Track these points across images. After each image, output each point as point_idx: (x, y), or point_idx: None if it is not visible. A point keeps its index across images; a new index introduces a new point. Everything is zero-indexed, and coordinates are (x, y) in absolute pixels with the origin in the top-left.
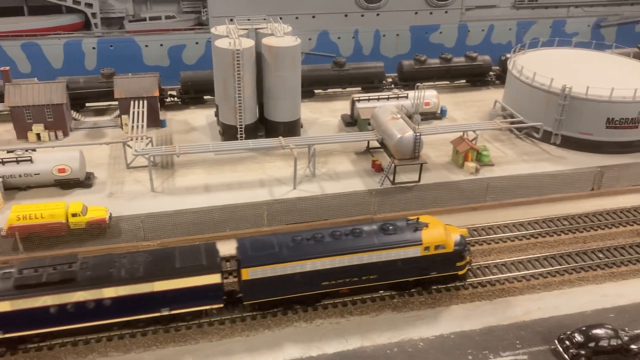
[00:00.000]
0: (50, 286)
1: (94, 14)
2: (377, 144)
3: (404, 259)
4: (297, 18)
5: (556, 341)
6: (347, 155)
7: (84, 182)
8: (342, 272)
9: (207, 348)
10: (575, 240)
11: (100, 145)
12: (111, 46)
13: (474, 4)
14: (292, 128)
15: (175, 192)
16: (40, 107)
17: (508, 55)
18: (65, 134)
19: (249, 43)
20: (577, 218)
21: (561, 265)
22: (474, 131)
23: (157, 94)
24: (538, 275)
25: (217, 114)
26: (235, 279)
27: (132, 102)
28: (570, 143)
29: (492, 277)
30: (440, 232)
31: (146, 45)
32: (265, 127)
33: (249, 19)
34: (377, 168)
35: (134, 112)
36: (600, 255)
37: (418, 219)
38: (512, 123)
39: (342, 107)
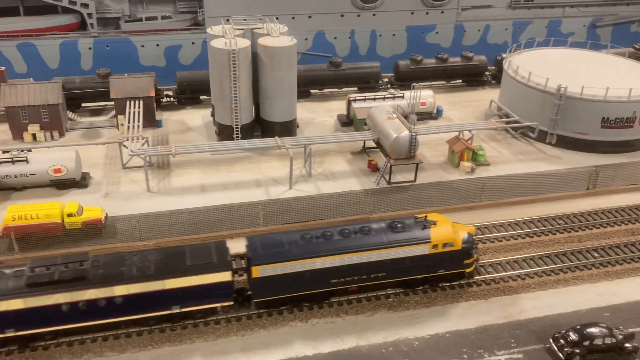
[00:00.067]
0: (62, 284)
1: (90, 14)
2: (373, 144)
3: (413, 256)
4: (293, 18)
5: (551, 340)
6: (343, 155)
7: (80, 182)
8: (351, 270)
9: (203, 348)
10: (571, 240)
11: (96, 145)
12: (107, 46)
13: (470, 4)
14: (288, 128)
15: (171, 192)
16: (36, 108)
17: (504, 55)
18: (61, 134)
19: (245, 43)
20: (572, 217)
21: (556, 264)
22: (469, 131)
23: (153, 94)
24: (533, 274)
25: (213, 114)
26: (244, 277)
27: (128, 103)
28: (566, 143)
29: (487, 276)
30: (448, 230)
31: (142, 46)
32: (261, 127)
33: (245, 19)
34: (373, 168)
35: (130, 113)
36: (595, 254)
37: (426, 217)
38: (507, 123)
39: (338, 107)
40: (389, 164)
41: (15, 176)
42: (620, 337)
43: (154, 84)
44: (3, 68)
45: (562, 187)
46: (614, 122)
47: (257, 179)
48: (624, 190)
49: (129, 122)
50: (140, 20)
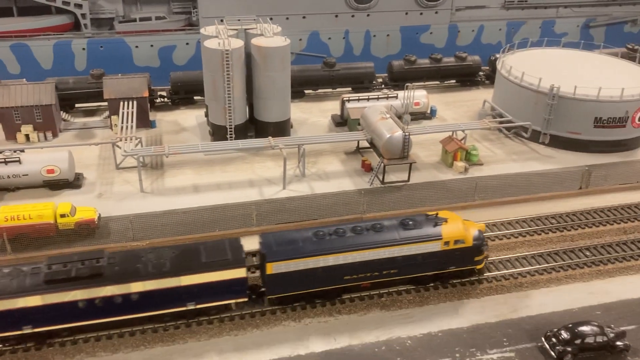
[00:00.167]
0: (79, 281)
1: (83, 15)
2: (366, 144)
3: (424, 253)
4: (287, 18)
5: (543, 338)
6: (336, 155)
7: (73, 182)
8: (363, 267)
9: (196, 347)
10: (563, 239)
11: (90, 146)
12: (101, 47)
13: (464, 4)
14: (282, 128)
15: (164, 192)
16: (29, 108)
17: (497, 56)
18: (55, 135)
19: (238, 43)
20: (564, 217)
21: (549, 263)
22: (462, 131)
23: (146, 94)
24: (525, 274)
25: (207, 115)
26: (256, 274)
27: (121, 103)
28: (559, 142)
29: (480, 275)
30: (459, 227)
31: (136, 46)
32: (255, 127)
33: (238, 20)
34: (367, 168)
35: (123, 113)
36: (588, 253)
37: (437, 214)
38: (501, 122)
39: (332, 107)
40: (382, 164)
41: (8, 177)
42: (611, 335)
43: (148, 84)
44: None
45: (555, 186)
46: (606, 121)
47: (250, 179)
48: (616, 189)
49: (122, 123)
50: (134, 20)
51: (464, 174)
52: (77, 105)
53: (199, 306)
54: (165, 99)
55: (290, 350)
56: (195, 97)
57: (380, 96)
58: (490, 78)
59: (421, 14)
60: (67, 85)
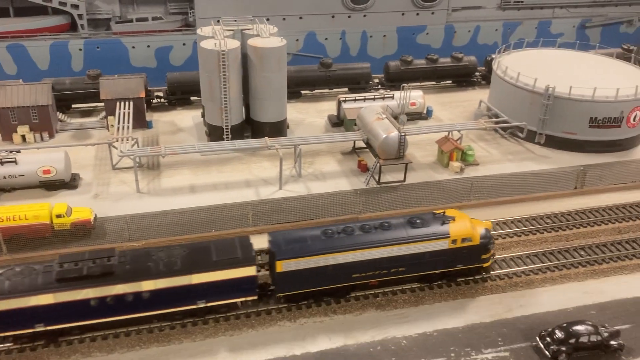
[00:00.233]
0: (91, 279)
1: (80, 15)
2: (363, 144)
3: (432, 251)
4: (284, 19)
5: (537, 338)
6: (333, 156)
7: (69, 183)
8: (372, 265)
9: (191, 348)
10: (558, 239)
11: (86, 146)
12: (98, 47)
13: (460, 5)
14: (278, 128)
15: (161, 193)
16: (25, 109)
17: (493, 56)
18: (51, 136)
19: (235, 44)
20: (560, 216)
21: (543, 263)
22: (458, 131)
23: (143, 95)
24: (520, 273)
25: (203, 115)
26: (266, 272)
27: (118, 104)
28: (554, 142)
29: (475, 275)
30: (466, 225)
31: (133, 47)
32: (251, 127)
33: (235, 20)
34: (363, 168)
35: (119, 114)
36: (582, 253)
37: (444, 212)
38: (496, 123)
39: (328, 107)
40: (378, 164)
41: (4, 177)
42: (605, 334)
43: (144, 85)
44: None
45: (550, 186)
46: (601, 122)
47: (247, 179)
48: (611, 189)
49: (118, 123)
50: (131, 21)
51: (460, 174)
52: (73, 105)
53: (209, 304)
54: (162, 100)
55: (286, 351)
56: (191, 98)
57: (376, 96)
58: (487, 78)
59: (417, 14)
60: (64, 85)
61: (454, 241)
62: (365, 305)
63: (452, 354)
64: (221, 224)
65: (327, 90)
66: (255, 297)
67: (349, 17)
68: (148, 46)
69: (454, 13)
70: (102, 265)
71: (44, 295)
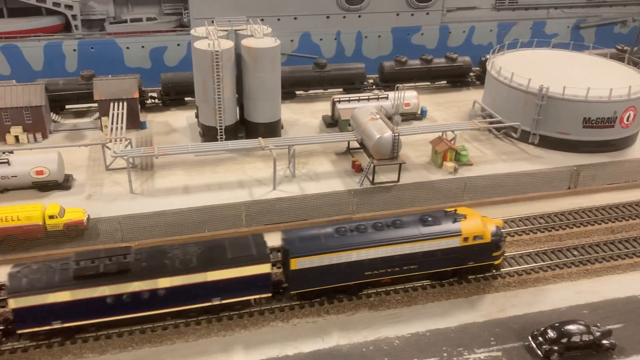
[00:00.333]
0: (107, 277)
1: (74, 16)
2: (357, 145)
3: (444, 249)
4: (279, 20)
5: (530, 337)
6: (327, 156)
7: (63, 184)
8: (384, 262)
9: (183, 348)
10: (551, 238)
11: (79, 147)
12: (92, 48)
13: (455, 5)
14: (272, 129)
15: (154, 193)
16: (18, 109)
17: (488, 56)
18: (45, 136)
19: (228, 44)
20: (553, 216)
21: (537, 262)
22: (452, 131)
23: (136, 95)
24: (513, 273)
25: (197, 116)
26: (279, 270)
27: (111, 104)
28: (548, 142)
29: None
30: (478, 223)
31: (127, 47)
32: (245, 128)
33: (229, 21)
34: (357, 168)
35: (113, 114)
36: (575, 253)
37: (456, 210)
38: (490, 123)
39: (323, 108)
40: (372, 165)
41: None
42: (597, 334)
43: (138, 85)
44: None
45: (543, 186)
46: (595, 122)
47: (240, 180)
48: (604, 189)
49: (112, 124)
50: (125, 22)
51: (454, 174)
52: (67, 106)
53: (224, 301)
54: (156, 100)
55: (279, 351)
56: (185, 98)
57: (370, 97)
58: (481, 79)
59: (412, 15)
60: (57, 86)
61: (466, 239)
62: (358, 305)
63: (445, 354)
64: (214, 224)
65: (321, 91)
66: (270, 295)
67: (344, 17)
68: (142, 47)
69: (449, 14)
70: (119, 263)
71: (61, 293)
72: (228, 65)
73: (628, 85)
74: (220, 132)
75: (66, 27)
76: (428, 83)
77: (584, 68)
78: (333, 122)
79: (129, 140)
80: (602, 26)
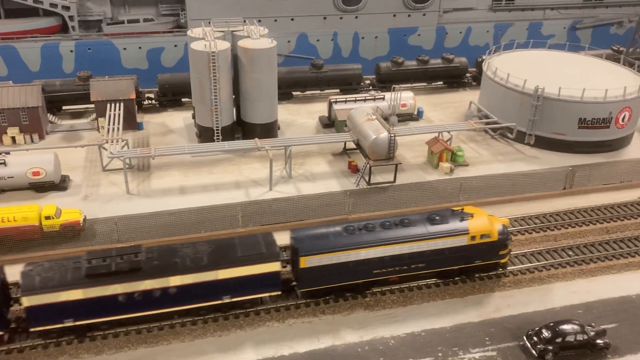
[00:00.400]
0: (119, 275)
1: (71, 17)
2: (353, 145)
3: (452, 247)
4: (275, 21)
5: (524, 337)
6: (324, 157)
7: (59, 185)
8: (392, 261)
9: (179, 349)
10: (547, 239)
11: (76, 148)
12: (89, 49)
13: (452, 6)
14: (269, 130)
15: (150, 194)
16: (15, 110)
17: (484, 57)
18: (41, 137)
19: (225, 45)
20: (548, 216)
21: (532, 262)
22: (448, 132)
23: (133, 96)
24: (509, 273)
25: (194, 116)
26: (287, 269)
27: (108, 105)
28: (544, 143)
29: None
30: (485, 221)
31: (124, 48)
32: (242, 129)
33: (226, 22)
34: (354, 169)
35: (110, 115)
36: (571, 253)
37: (462, 209)
38: (486, 124)
39: (319, 109)
40: (368, 165)
41: None
42: (592, 333)
43: (135, 86)
44: None
45: (539, 187)
46: (590, 122)
47: (237, 180)
48: (599, 189)
49: (109, 125)
50: (122, 22)
51: (450, 174)
52: (64, 107)
53: (234, 299)
54: (153, 101)
55: (274, 351)
56: (182, 99)
57: (367, 98)
58: (477, 79)
59: (409, 16)
60: (54, 87)
61: (473, 237)
62: (354, 305)
63: (440, 354)
64: (210, 225)
65: (318, 92)
66: (279, 292)
67: (341, 18)
68: (139, 48)
69: (446, 14)
70: (130, 261)
71: (74, 291)
72: (224, 66)
73: (623, 86)
74: (217, 132)
75: (63, 28)
76: (424, 84)
77: (579, 69)
78: (330, 123)
79: (125, 141)
80: (598, 27)
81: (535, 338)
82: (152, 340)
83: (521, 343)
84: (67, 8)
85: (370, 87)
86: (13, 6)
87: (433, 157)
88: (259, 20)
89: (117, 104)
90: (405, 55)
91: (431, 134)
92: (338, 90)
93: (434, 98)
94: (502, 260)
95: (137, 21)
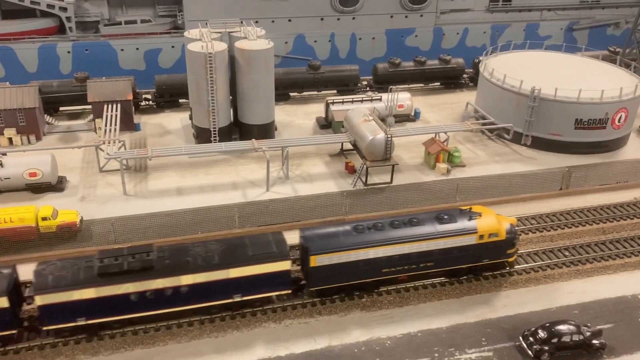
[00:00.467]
0: (132, 274)
1: (68, 18)
2: (350, 146)
3: (460, 246)
4: (273, 22)
5: (520, 338)
6: (321, 158)
7: (56, 186)
8: (401, 260)
9: (176, 350)
10: (543, 239)
11: (73, 149)
12: (86, 50)
13: (449, 7)
14: (266, 131)
15: (147, 195)
16: (12, 111)
17: (481, 58)
18: (38, 138)
19: (222, 46)
20: (544, 217)
21: (528, 263)
22: (445, 133)
23: (130, 97)
24: (505, 274)
25: (191, 117)
26: (296, 268)
27: (105, 106)
28: (540, 144)
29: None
30: (493, 220)
31: (122, 49)
32: (239, 130)
33: (225, 23)
34: (351, 170)
35: (107, 116)
36: (567, 254)
37: (471, 208)
38: (483, 124)
39: (317, 109)
40: (365, 166)
41: None
42: (588, 334)
43: (132, 87)
44: None
45: (536, 187)
46: (587, 123)
47: (234, 181)
48: (596, 190)
49: (106, 126)
50: (120, 24)
51: (446, 175)
52: (61, 108)
53: (245, 298)
54: (150, 102)
55: (271, 352)
56: (180, 100)
57: (364, 99)
58: (474, 80)
59: (406, 17)
60: (51, 88)
61: (481, 236)
62: (351, 306)
63: (436, 354)
64: (207, 225)
65: (315, 93)
66: (289, 291)
67: (338, 19)
68: (137, 49)
69: (443, 16)
70: (142, 260)
71: (86, 290)
72: (221, 67)
73: (620, 86)
74: (214, 133)
75: (60, 29)
76: (421, 85)
77: (576, 70)
78: (327, 124)
79: (122, 142)
80: (595, 28)
81: (531, 338)
82: (148, 341)
83: (517, 343)
84: (64, 9)
85: (368, 88)
86: (10, 7)
87: (430, 158)
88: (257, 22)
89: (114, 105)
90: (402, 56)
91: (428, 135)
92: (335, 91)
93: (431, 99)
94: (510, 259)
95: (134, 22)
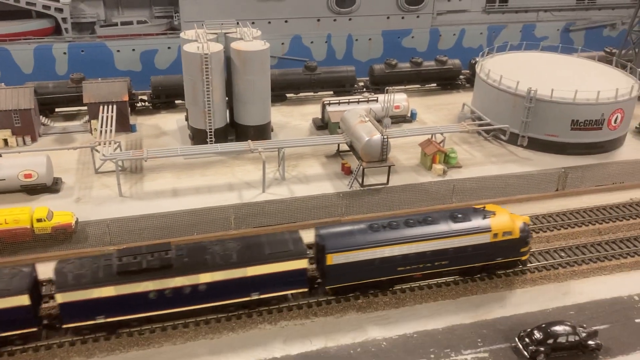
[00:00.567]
0: (150, 272)
1: (64, 19)
2: (347, 147)
3: (474, 245)
4: (269, 23)
5: (516, 338)
6: (317, 159)
7: (51, 187)
8: (416, 258)
9: (171, 351)
10: (539, 240)
11: (68, 150)
12: (82, 51)
13: (445, 8)
14: (262, 132)
15: (143, 196)
16: (7, 113)
17: (477, 59)
18: (34, 139)
19: (218, 47)
20: (541, 218)
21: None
22: (441, 134)
23: (126, 98)
24: (501, 274)
25: (187, 118)
26: (312, 267)
27: (101, 107)
28: (537, 145)
29: (455, 276)
30: (507, 219)
31: (118, 50)
32: (235, 131)
33: (222, 24)
34: (347, 171)
35: (103, 117)
36: (563, 254)
37: (484, 207)
38: (479, 125)
39: (313, 110)
40: (361, 167)
41: None
42: (583, 334)
43: (128, 88)
44: None
45: (532, 188)
46: (583, 124)
47: (230, 182)
48: (592, 191)
49: (101, 127)
50: (116, 25)
51: (443, 176)
52: (57, 109)
53: (262, 296)
54: (146, 103)
55: (266, 353)
56: (176, 101)
57: (360, 100)
58: (471, 81)
59: (403, 18)
60: (47, 89)
61: (495, 235)
62: (346, 307)
63: (432, 355)
64: (203, 227)
65: (311, 94)
66: (306, 289)
67: (335, 20)
68: (133, 50)
69: (439, 17)
70: (161, 259)
71: (106, 288)
72: (217, 68)
73: (616, 87)
74: (210, 134)
75: (56, 30)
76: (418, 86)
77: (572, 71)
78: (323, 125)
79: (118, 143)
80: (591, 29)
81: (527, 339)
82: (143, 342)
83: (513, 344)
84: (60, 10)
85: (364, 89)
86: (5, 8)
87: (426, 159)
88: (253, 23)
89: (110, 106)
90: (398, 57)
91: (424, 136)
92: (332, 92)
93: (428, 100)
94: (523, 258)
95: (130, 23)
